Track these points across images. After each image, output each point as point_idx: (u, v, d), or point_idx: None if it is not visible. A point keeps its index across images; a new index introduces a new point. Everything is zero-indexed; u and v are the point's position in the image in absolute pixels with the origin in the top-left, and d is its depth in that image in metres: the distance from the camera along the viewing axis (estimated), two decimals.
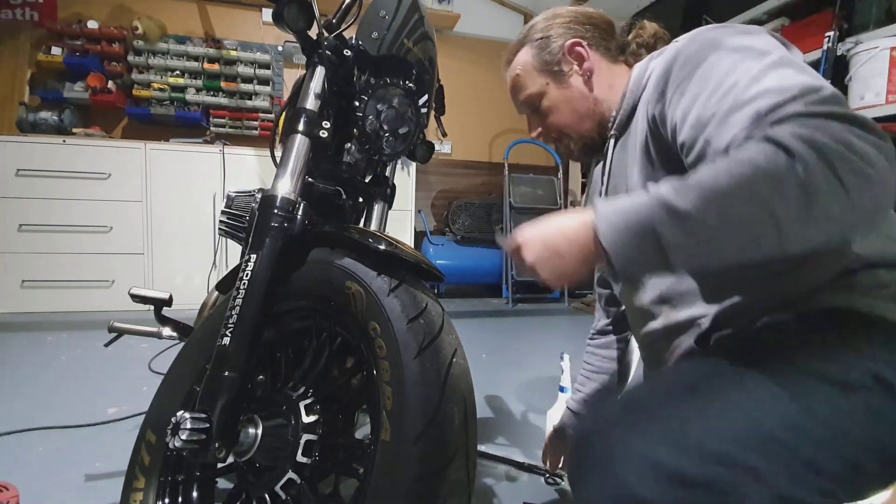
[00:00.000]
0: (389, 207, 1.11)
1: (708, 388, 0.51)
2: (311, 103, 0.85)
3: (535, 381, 1.91)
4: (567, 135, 0.83)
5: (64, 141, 2.74)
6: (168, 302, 1.19)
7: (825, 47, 2.09)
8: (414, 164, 3.18)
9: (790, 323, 0.56)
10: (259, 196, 1.06)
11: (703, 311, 0.65)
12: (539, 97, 0.82)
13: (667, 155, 0.66)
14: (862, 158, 0.43)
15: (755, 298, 0.60)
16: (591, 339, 1.10)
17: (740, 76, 0.54)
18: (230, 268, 0.93)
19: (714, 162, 0.48)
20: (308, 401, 0.74)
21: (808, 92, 0.48)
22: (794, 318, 0.56)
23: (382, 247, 0.71)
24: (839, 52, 2.06)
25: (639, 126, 0.71)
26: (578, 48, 0.78)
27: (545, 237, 0.56)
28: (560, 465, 1.12)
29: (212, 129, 3.22)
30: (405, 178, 3.25)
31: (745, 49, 0.56)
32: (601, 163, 0.85)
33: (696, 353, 0.64)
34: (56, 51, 2.98)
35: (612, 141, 0.79)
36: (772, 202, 0.43)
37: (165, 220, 2.87)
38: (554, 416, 1.26)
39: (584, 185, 3.93)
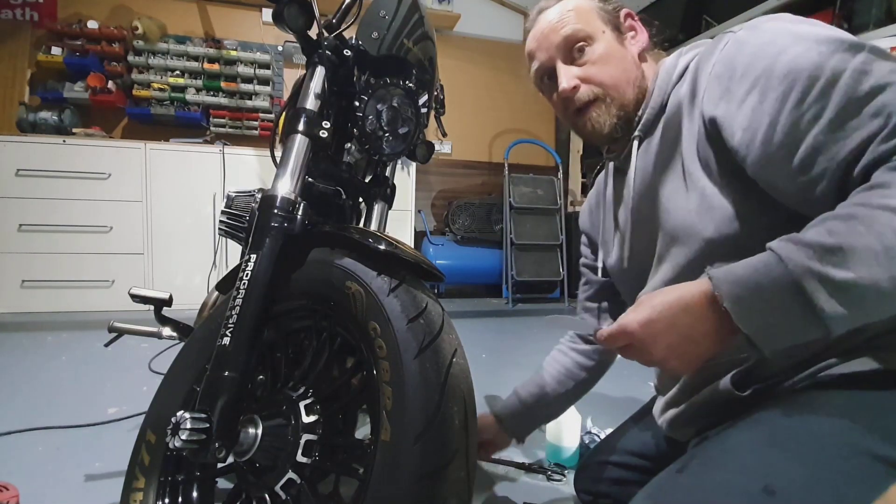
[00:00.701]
0: (389, 207, 1.11)
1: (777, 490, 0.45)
2: (311, 103, 0.85)
3: None
4: (610, 95, 0.70)
5: (64, 141, 2.74)
6: (168, 302, 1.19)
7: None
8: (414, 164, 3.18)
9: (851, 379, 0.50)
10: (259, 196, 1.06)
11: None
12: (590, 39, 0.69)
13: (727, 163, 0.58)
14: None
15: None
16: (572, 341, 1.00)
17: (837, 66, 0.48)
18: (230, 268, 0.93)
19: (855, 206, 0.44)
20: (308, 401, 0.74)
21: None
22: (854, 375, 0.51)
23: (382, 247, 0.71)
24: None
25: (683, 127, 0.63)
26: (634, 21, 0.73)
27: (676, 325, 0.49)
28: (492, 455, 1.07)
29: (212, 129, 3.22)
30: (405, 178, 3.25)
31: (828, 38, 0.50)
32: (616, 168, 0.80)
33: (731, 404, 0.57)
34: (56, 51, 2.97)
35: (635, 143, 0.70)
36: None
37: (165, 220, 2.87)
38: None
39: (584, 186, 3.94)
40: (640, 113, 0.70)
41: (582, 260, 0.97)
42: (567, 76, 0.70)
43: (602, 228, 0.86)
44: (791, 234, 0.46)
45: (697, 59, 0.64)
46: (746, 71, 0.55)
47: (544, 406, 0.98)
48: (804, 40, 0.51)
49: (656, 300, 0.51)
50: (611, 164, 0.84)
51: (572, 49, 0.70)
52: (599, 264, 0.86)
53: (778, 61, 0.52)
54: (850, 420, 0.47)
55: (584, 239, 0.97)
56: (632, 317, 0.52)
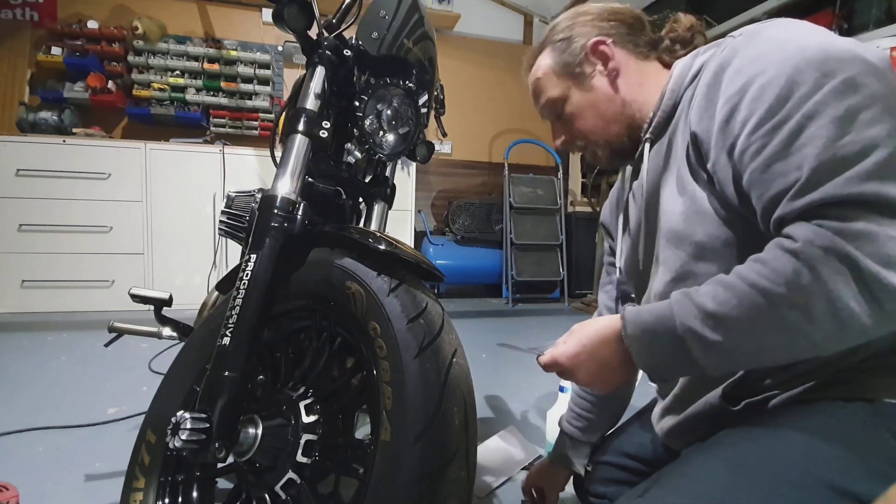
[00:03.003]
0: (389, 207, 1.11)
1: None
2: (311, 103, 0.85)
3: (535, 381, 1.91)
4: (594, 142, 0.76)
5: (64, 141, 2.74)
6: (168, 302, 1.19)
7: None
8: (414, 164, 3.18)
9: (826, 407, 0.53)
10: (259, 196, 1.06)
11: None
12: (561, 102, 0.76)
13: (706, 171, 0.60)
14: (889, 264, 0.41)
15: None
16: None
17: (798, 102, 0.49)
18: (230, 268, 0.93)
19: (738, 278, 0.48)
20: (308, 401, 0.74)
21: (859, 156, 0.44)
22: (830, 400, 0.53)
23: (382, 247, 0.71)
24: None
25: (679, 132, 0.65)
26: (602, 47, 0.72)
27: (595, 356, 0.59)
28: (556, 499, 1.01)
29: (212, 129, 3.22)
30: (405, 178, 3.25)
31: (816, 63, 0.49)
32: (628, 168, 0.80)
33: (724, 417, 0.60)
34: (56, 51, 2.98)
35: (646, 145, 0.71)
36: (806, 330, 0.45)
37: (165, 220, 2.87)
38: (554, 415, 1.26)
39: (584, 186, 3.94)
40: (651, 115, 0.70)
41: (605, 257, 0.96)
42: (556, 135, 0.81)
43: (618, 227, 0.86)
44: (690, 290, 0.52)
45: (705, 63, 0.63)
46: (727, 86, 0.55)
47: (590, 432, 0.95)
48: (788, 62, 0.50)
49: (583, 333, 0.61)
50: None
51: (553, 112, 0.79)
52: (618, 262, 0.86)
53: (753, 82, 0.52)
54: (813, 448, 0.50)
55: (606, 236, 0.97)
56: (562, 349, 0.62)
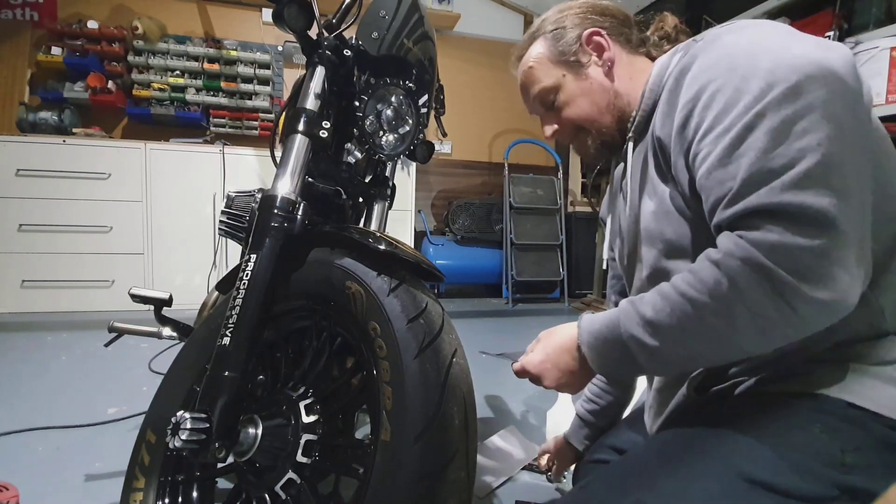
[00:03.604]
0: (389, 207, 1.11)
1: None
2: (311, 103, 0.85)
3: None
4: (585, 130, 0.77)
5: (64, 141, 2.74)
6: (168, 302, 1.19)
7: None
8: (414, 164, 3.18)
9: (778, 402, 0.55)
10: (259, 196, 1.06)
11: None
12: (554, 91, 0.76)
13: (670, 172, 0.62)
14: (804, 277, 0.44)
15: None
16: None
17: (742, 111, 0.50)
18: (230, 268, 0.93)
19: (672, 287, 0.52)
20: (308, 401, 0.74)
21: (785, 168, 0.46)
22: (785, 397, 0.55)
23: (382, 247, 0.71)
24: None
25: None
26: (597, 38, 0.73)
27: (558, 363, 0.64)
28: (563, 472, 1.07)
29: (212, 129, 3.22)
30: (405, 178, 3.25)
31: (766, 73, 0.50)
32: (621, 165, 0.81)
33: (695, 408, 0.63)
34: (56, 51, 2.97)
35: (630, 144, 0.73)
36: (730, 337, 0.49)
37: (165, 220, 2.87)
38: (554, 415, 1.26)
39: (584, 186, 3.94)
40: (634, 114, 0.72)
41: (607, 252, 0.98)
42: (546, 126, 0.80)
43: (608, 225, 0.88)
44: (636, 298, 0.56)
45: (675, 66, 0.63)
46: (685, 92, 0.57)
47: (598, 415, 0.98)
48: (736, 71, 0.51)
49: (548, 342, 0.66)
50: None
51: (545, 102, 0.78)
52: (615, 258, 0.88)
53: (706, 89, 0.53)
54: (740, 442, 0.53)
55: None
56: (529, 358, 0.68)
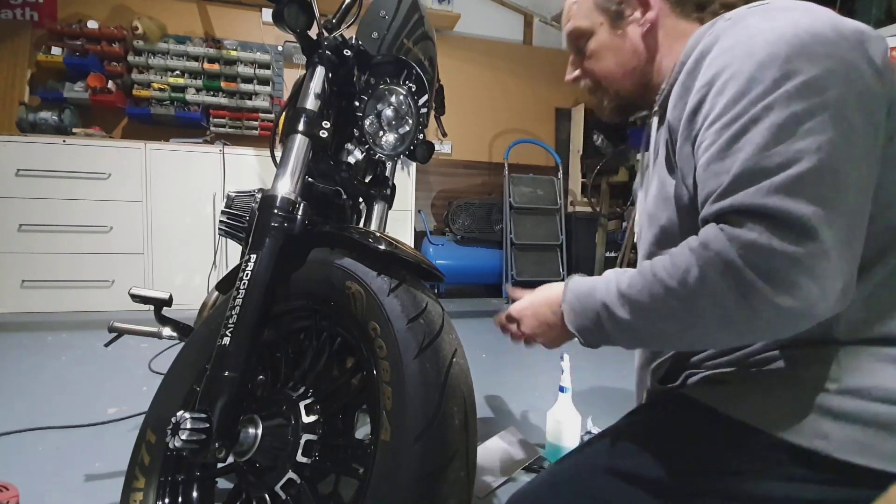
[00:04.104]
0: (389, 207, 1.11)
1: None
2: (311, 103, 0.85)
3: (535, 381, 1.91)
4: (604, 88, 0.74)
5: (64, 141, 2.74)
6: (168, 302, 1.19)
7: None
8: (414, 164, 3.18)
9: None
10: (259, 196, 1.06)
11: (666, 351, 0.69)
12: (586, 35, 0.72)
13: (675, 158, 0.61)
14: (771, 280, 0.43)
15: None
16: None
17: (750, 103, 0.48)
18: (230, 268, 0.93)
19: (650, 266, 0.52)
20: (308, 401, 0.74)
21: (779, 168, 0.45)
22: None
23: (382, 247, 0.71)
24: None
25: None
26: None
27: (537, 312, 0.67)
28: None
29: (212, 129, 3.22)
30: (405, 178, 3.25)
31: (783, 59, 0.47)
32: (652, 140, 0.78)
33: (657, 398, 0.68)
34: (56, 51, 2.97)
35: (654, 119, 0.69)
36: (692, 323, 0.49)
37: (165, 220, 2.87)
38: (554, 415, 1.26)
39: (584, 186, 3.94)
40: (663, 88, 0.67)
41: (637, 227, 0.98)
42: (569, 69, 0.77)
43: (639, 202, 0.88)
44: (620, 270, 0.57)
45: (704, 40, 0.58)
46: (702, 75, 0.54)
47: None
48: (753, 57, 0.49)
49: (539, 293, 0.69)
50: None
51: (575, 44, 0.75)
52: None
53: (721, 75, 0.51)
54: (626, 442, 0.61)
55: None
56: (515, 304, 0.72)
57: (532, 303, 0.69)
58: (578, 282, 0.62)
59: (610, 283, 0.56)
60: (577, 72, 0.76)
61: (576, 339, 0.63)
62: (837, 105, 0.45)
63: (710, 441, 0.55)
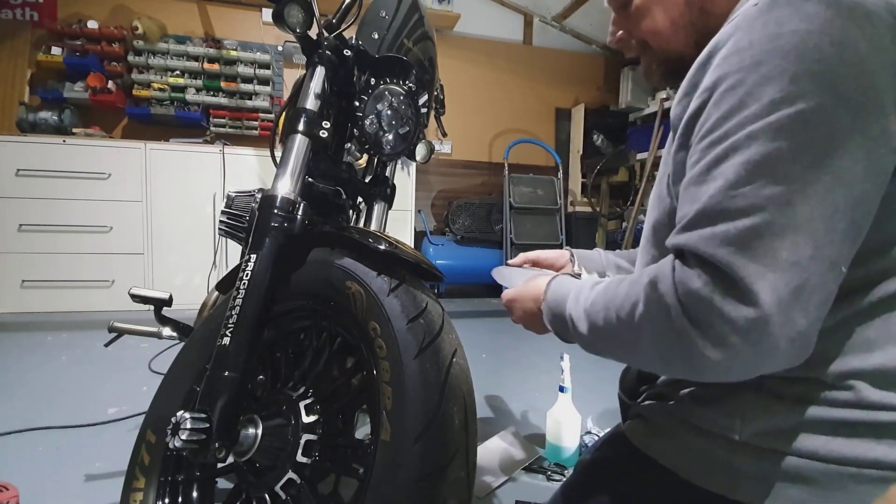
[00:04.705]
0: (389, 207, 1.11)
1: None
2: (311, 103, 0.85)
3: (535, 381, 1.91)
4: (652, 48, 0.65)
5: (64, 141, 2.74)
6: (168, 302, 1.19)
7: None
8: (414, 164, 3.18)
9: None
10: (259, 196, 1.06)
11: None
12: None
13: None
14: (705, 334, 0.41)
15: None
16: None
17: (750, 117, 0.43)
18: (230, 268, 0.93)
19: (613, 287, 0.52)
20: (308, 401, 0.74)
21: (738, 214, 0.41)
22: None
23: (382, 247, 0.71)
24: None
25: None
26: None
27: (524, 306, 0.68)
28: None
29: (212, 129, 3.22)
30: (405, 178, 3.25)
31: (806, 73, 0.41)
32: None
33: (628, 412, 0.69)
34: (56, 51, 2.97)
35: None
36: (639, 357, 0.50)
37: (165, 220, 2.87)
38: (554, 415, 1.26)
39: (584, 186, 3.94)
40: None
41: None
42: (612, 29, 0.70)
43: None
44: (594, 281, 0.57)
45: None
46: (710, 74, 0.48)
47: (612, 267, 0.94)
48: (760, 67, 0.43)
49: (531, 283, 0.68)
50: None
51: (620, 3, 0.66)
52: None
53: (724, 80, 0.45)
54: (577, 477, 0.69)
55: None
56: (506, 293, 0.73)
57: (520, 294, 0.70)
58: (559, 283, 0.63)
59: (579, 295, 0.57)
60: (621, 32, 0.68)
61: None
62: (831, 147, 0.40)
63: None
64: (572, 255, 0.96)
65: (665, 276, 0.45)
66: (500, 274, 0.92)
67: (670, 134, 0.58)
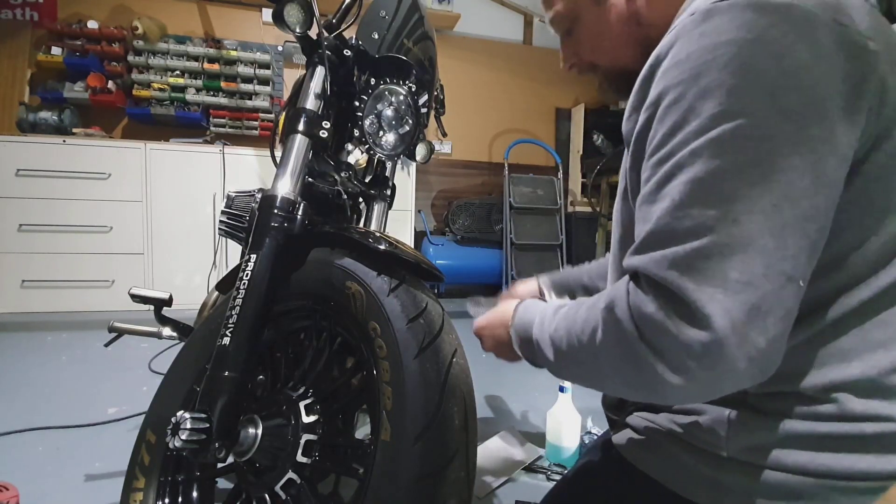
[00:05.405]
0: (389, 207, 1.11)
1: None
2: (311, 103, 0.85)
3: (535, 381, 1.91)
4: (603, 68, 0.68)
5: (64, 141, 2.74)
6: (168, 302, 1.19)
7: None
8: (414, 164, 3.18)
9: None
10: (259, 196, 1.06)
11: None
12: (569, 19, 0.65)
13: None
14: (663, 359, 0.40)
15: None
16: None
17: (692, 133, 0.42)
18: (230, 268, 0.93)
19: (575, 312, 0.51)
20: (308, 401, 0.74)
21: (685, 236, 0.40)
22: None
23: (382, 247, 0.71)
24: None
25: None
26: None
27: (494, 333, 0.69)
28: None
29: (212, 129, 3.22)
30: (405, 178, 3.25)
31: (745, 90, 0.40)
32: None
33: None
34: (56, 51, 2.97)
35: None
36: (603, 382, 0.50)
37: (165, 220, 2.87)
38: (554, 415, 1.26)
39: (584, 186, 3.93)
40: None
41: None
42: (563, 56, 0.72)
43: None
44: (559, 304, 0.57)
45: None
46: (654, 87, 0.47)
47: (579, 288, 0.98)
48: (700, 80, 0.42)
49: (498, 309, 0.69)
50: None
51: (562, 27, 0.69)
52: None
53: (667, 94, 0.44)
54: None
55: None
56: (477, 321, 0.74)
57: (489, 322, 0.70)
58: (525, 308, 0.62)
59: (544, 321, 0.56)
60: (572, 62, 0.71)
61: None
62: (775, 161, 0.39)
63: None
64: (540, 286, 1.03)
65: (621, 300, 0.44)
66: (474, 301, 0.96)
67: (625, 150, 0.58)
